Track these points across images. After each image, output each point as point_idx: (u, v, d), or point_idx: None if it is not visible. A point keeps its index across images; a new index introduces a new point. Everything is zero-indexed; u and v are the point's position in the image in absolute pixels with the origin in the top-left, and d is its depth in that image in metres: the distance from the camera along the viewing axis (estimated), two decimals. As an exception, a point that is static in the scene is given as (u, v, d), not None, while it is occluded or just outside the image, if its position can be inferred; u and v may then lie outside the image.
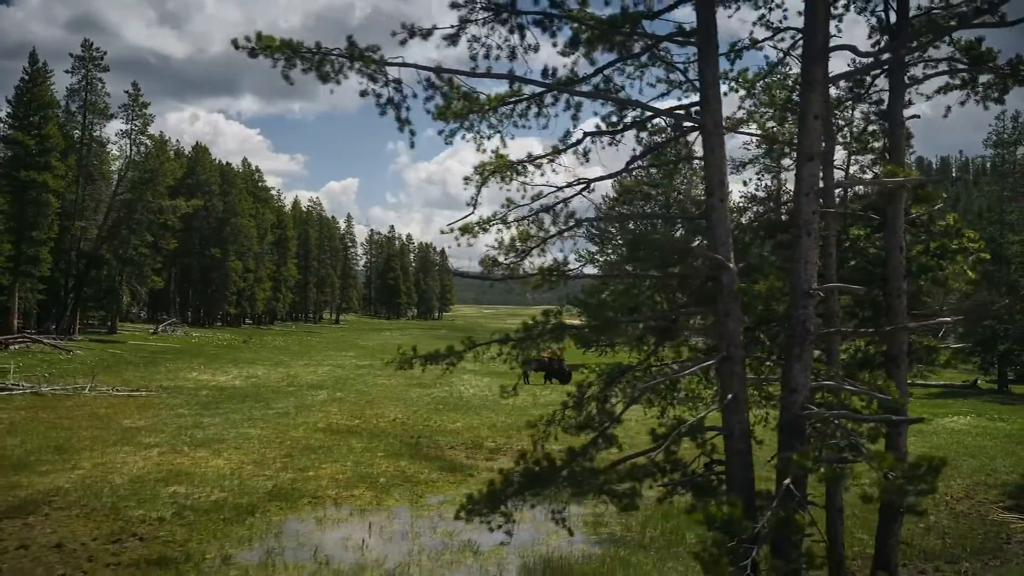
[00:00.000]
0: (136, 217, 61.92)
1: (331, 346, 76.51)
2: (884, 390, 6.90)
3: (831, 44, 6.84)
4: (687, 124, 7.49)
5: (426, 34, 7.62)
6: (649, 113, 7.64)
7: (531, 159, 8.53)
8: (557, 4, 6.99)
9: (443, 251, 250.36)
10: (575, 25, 7.07)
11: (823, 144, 6.99)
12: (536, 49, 7.22)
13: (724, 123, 7.76)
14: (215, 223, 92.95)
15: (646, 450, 7.68)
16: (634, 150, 8.07)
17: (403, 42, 7.32)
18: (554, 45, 7.12)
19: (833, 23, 8.61)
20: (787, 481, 6.32)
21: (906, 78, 8.24)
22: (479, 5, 7.11)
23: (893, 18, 8.55)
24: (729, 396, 6.83)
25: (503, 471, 8.48)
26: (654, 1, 7.66)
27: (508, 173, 8.42)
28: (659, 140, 8.19)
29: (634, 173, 9.80)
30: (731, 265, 6.77)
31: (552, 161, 8.07)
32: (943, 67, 8.65)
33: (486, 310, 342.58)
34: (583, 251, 58.03)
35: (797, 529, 6.31)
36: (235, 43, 7.08)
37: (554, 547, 14.59)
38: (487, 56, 7.46)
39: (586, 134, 8.03)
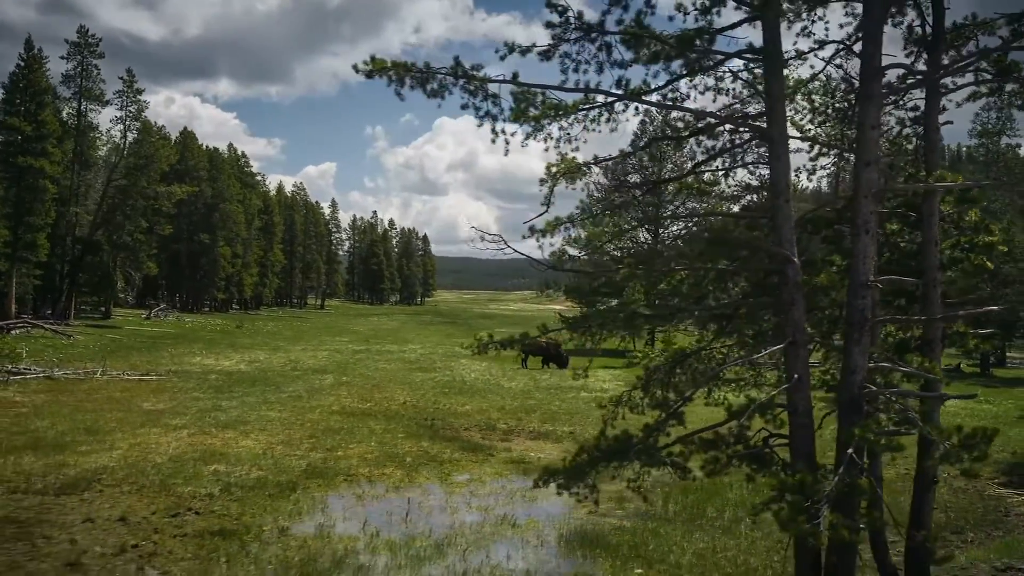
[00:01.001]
0: (131, 203, 62.20)
1: (323, 331, 77.07)
2: (930, 370, 7.80)
3: (884, 63, 7.71)
4: (753, 133, 8.34)
5: (524, 51, 8.42)
6: (715, 121, 8.49)
7: (597, 161, 9.36)
8: (643, 26, 7.81)
9: (425, 236, 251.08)
10: (656, 44, 7.88)
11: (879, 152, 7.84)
12: (622, 65, 8.04)
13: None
14: (203, 209, 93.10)
15: (711, 425, 8.53)
16: (694, 154, 8.91)
17: (503, 57, 8.12)
18: (636, 61, 7.93)
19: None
20: (850, 451, 7.21)
21: (940, 88, 9.12)
22: (572, 26, 7.92)
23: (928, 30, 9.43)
24: (796, 377, 7.69)
25: (583, 445, 9.30)
26: (714, 18, 8.49)
27: (575, 174, 9.25)
28: (725, 146, 9.02)
29: (687, 175, 10.60)
30: (795, 260, 7.65)
31: (622, 163, 8.90)
32: (969, 77, 9.53)
33: (466, 295, 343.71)
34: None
35: (860, 492, 7.18)
36: (355, 67, 7.88)
37: (585, 520, 15.48)
38: (575, 70, 8.27)
39: (652, 139, 8.88)
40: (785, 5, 8.34)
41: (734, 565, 12.79)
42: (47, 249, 56.14)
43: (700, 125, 8.67)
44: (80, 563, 12.06)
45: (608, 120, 8.88)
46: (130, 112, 64.11)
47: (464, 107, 8.24)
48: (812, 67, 8.33)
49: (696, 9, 8.44)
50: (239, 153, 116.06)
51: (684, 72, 8.26)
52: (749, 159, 9.70)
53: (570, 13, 7.88)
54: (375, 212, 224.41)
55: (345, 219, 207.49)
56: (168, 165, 68.69)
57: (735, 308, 8.63)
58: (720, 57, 8.21)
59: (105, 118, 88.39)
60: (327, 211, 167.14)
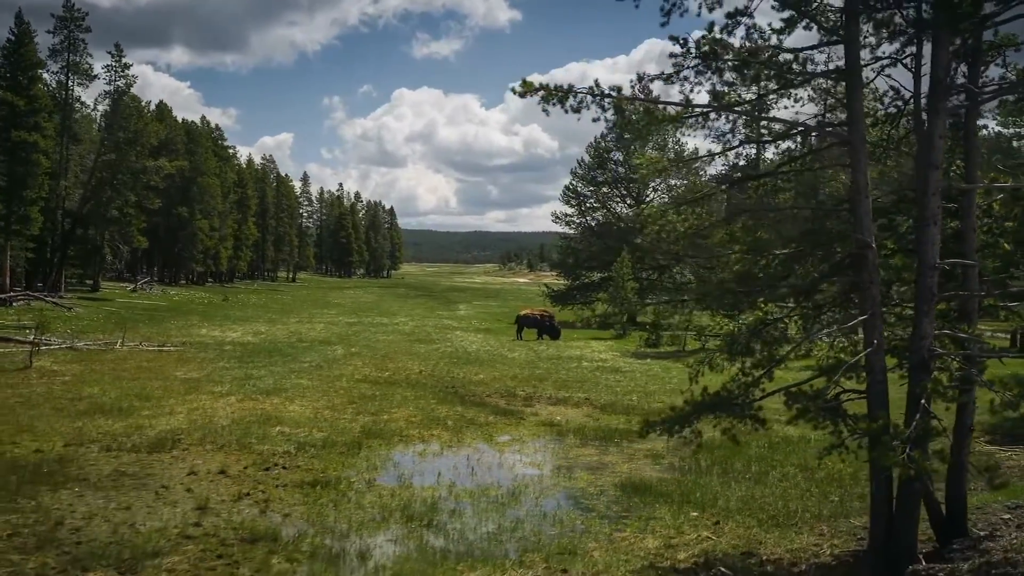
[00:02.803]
0: (120, 177, 62.77)
1: (307, 304, 78.09)
2: (979, 338, 9.60)
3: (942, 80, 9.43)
4: (834, 139, 10.01)
5: (652, 79, 10.04)
6: (801, 128, 10.16)
7: (685, 159, 11.01)
8: (754, 53, 9.45)
9: (392, 209, 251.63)
10: (763, 68, 9.50)
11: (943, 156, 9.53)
12: (731, 84, 9.67)
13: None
14: (181, 182, 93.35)
15: (797, 383, 10.25)
16: (776, 155, 10.57)
17: (636, 79, 9.74)
18: (743, 83, 9.56)
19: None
20: (923, 401, 8.98)
21: (980, 99, 10.83)
22: (692, 55, 9.51)
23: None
24: (874, 342, 9.41)
25: (686, 399, 10.96)
26: (793, 36, 10.15)
27: (668, 171, 10.90)
28: (807, 149, 10.67)
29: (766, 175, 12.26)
30: (874, 246, 9.36)
31: (710, 163, 10.56)
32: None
33: (428, 268, 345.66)
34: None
35: (934, 433, 8.91)
36: (513, 89, 9.42)
37: (631, 474, 17.23)
38: (692, 91, 9.88)
39: (741, 142, 10.53)
40: (866, 38, 9.96)
41: (775, 508, 14.58)
42: (40, 223, 56.70)
43: (786, 131, 10.31)
44: (208, 507, 13.58)
45: (703, 127, 10.53)
46: (118, 87, 64.49)
47: (595, 120, 9.80)
48: (865, 77, 9.89)
49: (776, 32, 10.13)
50: (213, 126, 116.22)
51: (778, 87, 9.90)
52: (816, 163, 11.29)
53: (690, 44, 9.49)
54: (341, 185, 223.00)
55: (312, 192, 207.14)
56: (157, 140, 69.11)
57: (814, 285, 10.35)
58: (807, 77, 9.86)
59: (92, 93, 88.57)
60: (298, 185, 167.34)
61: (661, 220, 11.02)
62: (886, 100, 11.66)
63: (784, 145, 10.61)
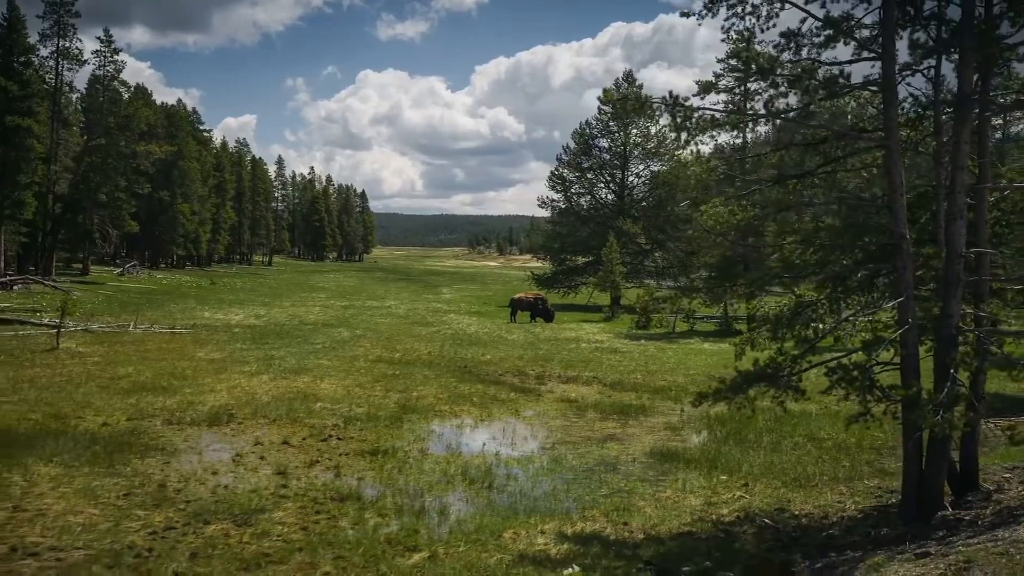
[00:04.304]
0: (110, 162, 63.26)
1: (293, 288, 78.89)
2: (995, 315, 11.13)
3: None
4: (872, 143, 11.45)
5: (709, 88, 11.41)
6: (843, 132, 11.58)
7: (728, 155, 12.45)
8: (807, 70, 10.88)
9: (363, 192, 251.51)
10: (811, 80, 10.92)
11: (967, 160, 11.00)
12: (785, 96, 11.10)
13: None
14: (162, 166, 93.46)
15: (836, 356, 11.73)
16: (816, 157, 12.05)
17: (698, 94, 11.13)
18: (795, 92, 10.98)
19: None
20: (952, 371, 10.50)
21: (991, 107, 12.33)
22: (753, 69, 10.89)
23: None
24: (908, 321, 10.90)
25: (738, 371, 12.40)
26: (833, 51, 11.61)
27: (713, 172, 12.36)
28: (841, 152, 12.11)
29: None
30: (908, 237, 10.82)
31: (757, 163, 12.04)
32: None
33: (396, 252, 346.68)
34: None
35: (961, 398, 10.41)
36: (599, 99, 10.81)
37: (655, 443, 18.70)
38: (751, 101, 11.27)
39: (786, 145, 11.97)
40: (903, 59, 11.41)
41: (795, 472, 16.11)
42: (35, 207, 57.16)
43: (826, 136, 11.74)
44: (287, 472, 14.88)
45: (752, 131, 11.94)
46: (108, 72, 64.85)
47: (668, 126, 11.18)
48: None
49: (816, 45, 11.59)
50: (190, 109, 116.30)
51: (822, 97, 11.33)
52: (849, 166, 12.72)
53: (752, 63, 10.90)
54: (312, 168, 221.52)
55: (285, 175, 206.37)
56: (147, 124, 69.55)
57: (851, 271, 11.81)
58: (848, 88, 11.28)
59: (81, 78, 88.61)
60: (273, 169, 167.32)
61: (712, 212, 12.44)
62: (906, 105, 13.13)
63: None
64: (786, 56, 11.03)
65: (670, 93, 10.83)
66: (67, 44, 63.08)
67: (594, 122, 68.60)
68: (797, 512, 13.53)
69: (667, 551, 11.47)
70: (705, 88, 11.01)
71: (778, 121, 11.75)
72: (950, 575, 7.19)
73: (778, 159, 12.14)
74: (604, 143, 69.88)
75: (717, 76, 43.48)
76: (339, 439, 17.76)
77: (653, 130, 67.54)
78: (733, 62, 21.16)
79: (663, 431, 20.17)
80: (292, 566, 10.53)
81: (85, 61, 64.17)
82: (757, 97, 11.85)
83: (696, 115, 11.11)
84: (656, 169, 68.06)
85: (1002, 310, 11.03)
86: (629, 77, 68.30)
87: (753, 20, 11.30)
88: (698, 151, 12.05)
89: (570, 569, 10.42)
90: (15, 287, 48.73)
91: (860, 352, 11.30)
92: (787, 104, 11.41)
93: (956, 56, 11.04)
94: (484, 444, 17.93)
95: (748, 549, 11.37)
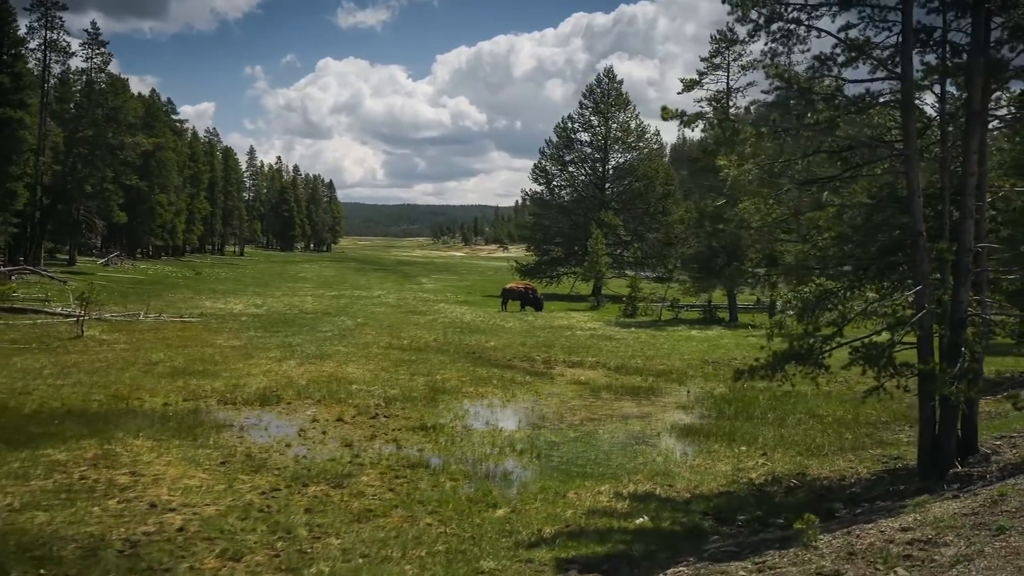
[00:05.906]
0: (98, 153, 63.82)
1: (276, 278, 79.57)
2: (994, 302, 12.88)
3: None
4: (891, 151, 13.14)
5: (693, 85, 12.98)
6: (866, 143, 13.26)
7: (759, 162, 14.12)
8: (839, 88, 12.59)
9: (331, 182, 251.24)
10: (841, 97, 12.62)
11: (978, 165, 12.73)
12: (816, 111, 12.74)
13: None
14: (140, 157, 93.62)
15: (860, 337, 13.44)
16: (838, 163, 13.77)
17: (683, 91, 12.66)
18: (826, 109, 12.65)
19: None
20: (963, 349, 12.28)
21: (991, 118, 14.14)
22: (794, 89, 12.54)
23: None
24: (925, 306, 12.61)
25: (772, 351, 14.05)
26: (853, 71, 13.31)
27: (746, 174, 14.00)
28: (863, 160, 13.79)
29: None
30: (924, 233, 12.54)
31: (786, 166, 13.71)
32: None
33: (360, 241, 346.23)
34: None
35: (976, 372, 12.16)
36: (661, 115, 12.43)
37: (674, 420, 20.38)
38: (732, 97, 12.93)
39: (813, 151, 13.63)
40: (921, 80, 13.11)
41: (806, 443, 17.84)
42: (26, 198, 57.69)
43: (850, 144, 13.40)
44: (351, 444, 16.35)
45: (782, 140, 13.64)
46: (95, 64, 65.34)
47: (702, 131, 12.81)
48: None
49: (839, 64, 13.31)
50: (164, 100, 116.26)
51: (850, 111, 12.99)
52: (867, 171, 14.39)
53: (793, 81, 12.55)
54: (279, 158, 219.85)
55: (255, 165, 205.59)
56: (135, 116, 70.06)
57: (873, 262, 13.53)
58: (870, 103, 12.96)
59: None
60: (244, 159, 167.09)
61: (753, 210, 14.12)
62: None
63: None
64: (811, 74, 12.73)
65: (720, 106, 12.42)
66: (54, 36, 63.57)
67: (576, 116, 70.53)
68: (816, 475, 15.28)
69: (716, 505, 13.17)
70: (689, 86, 12.68)
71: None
72: (989, 503, 8.87)
73: (805, 164, 13.79)
74: (585, 136, 71.82)
75: (700, 74, 45.97)
76: (385, 417, 19.21)
77: (633, 124, 69.50)
78: (736, 66, 22.69)
79: (675, 409, 21.84)
80: (395, 519, 12.06)
81: (73, 53, 64.79)
82: (738, 94, 13.59)
83: (743, 131, 12.74)
84: (634, 160, 69.95)
85: (994, 295, 12.80)
86: (610, 73, 70.31)
87: (789, 43, 12.97)
88: (738, 154, 13.37)
89: (641, 519, 12.06)
90: (12, 277, 49.36)
91: (881, 333, 13.00)
92: (814, 118, 13.06)
93: (962, 77, 12.79)
94: (520, 420, 19.50)
95: (790, 502, 13.09)
